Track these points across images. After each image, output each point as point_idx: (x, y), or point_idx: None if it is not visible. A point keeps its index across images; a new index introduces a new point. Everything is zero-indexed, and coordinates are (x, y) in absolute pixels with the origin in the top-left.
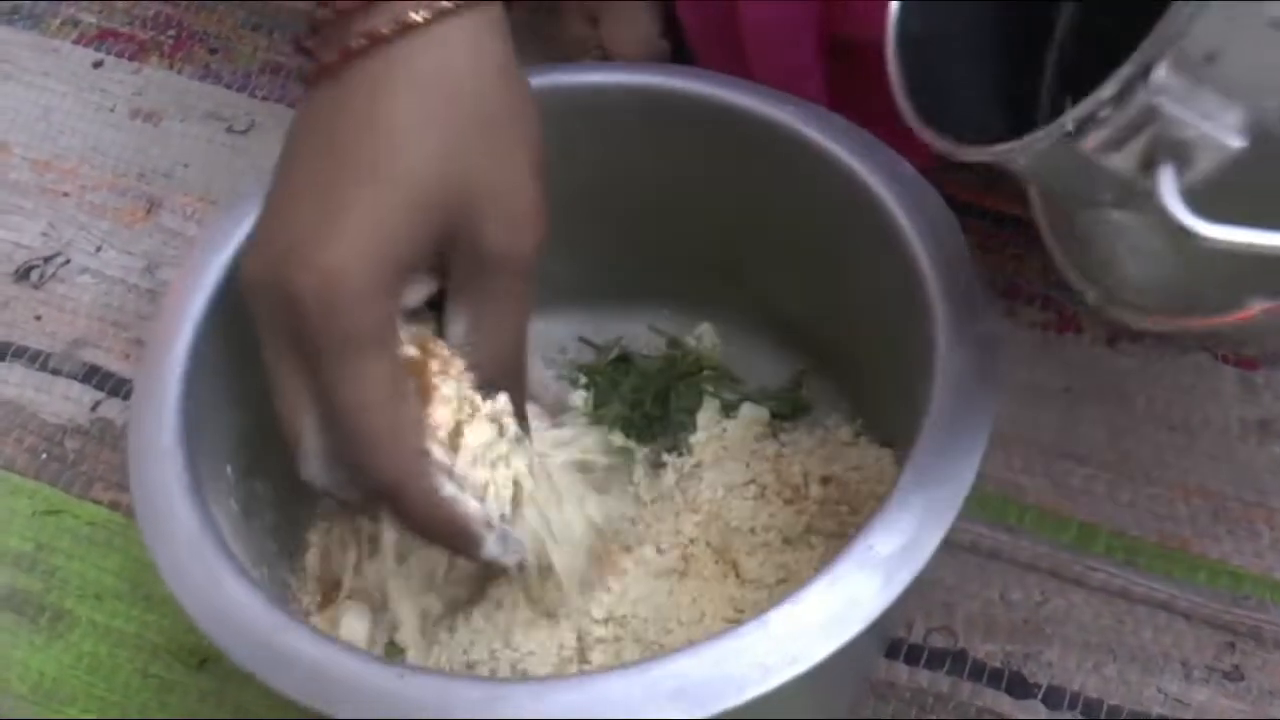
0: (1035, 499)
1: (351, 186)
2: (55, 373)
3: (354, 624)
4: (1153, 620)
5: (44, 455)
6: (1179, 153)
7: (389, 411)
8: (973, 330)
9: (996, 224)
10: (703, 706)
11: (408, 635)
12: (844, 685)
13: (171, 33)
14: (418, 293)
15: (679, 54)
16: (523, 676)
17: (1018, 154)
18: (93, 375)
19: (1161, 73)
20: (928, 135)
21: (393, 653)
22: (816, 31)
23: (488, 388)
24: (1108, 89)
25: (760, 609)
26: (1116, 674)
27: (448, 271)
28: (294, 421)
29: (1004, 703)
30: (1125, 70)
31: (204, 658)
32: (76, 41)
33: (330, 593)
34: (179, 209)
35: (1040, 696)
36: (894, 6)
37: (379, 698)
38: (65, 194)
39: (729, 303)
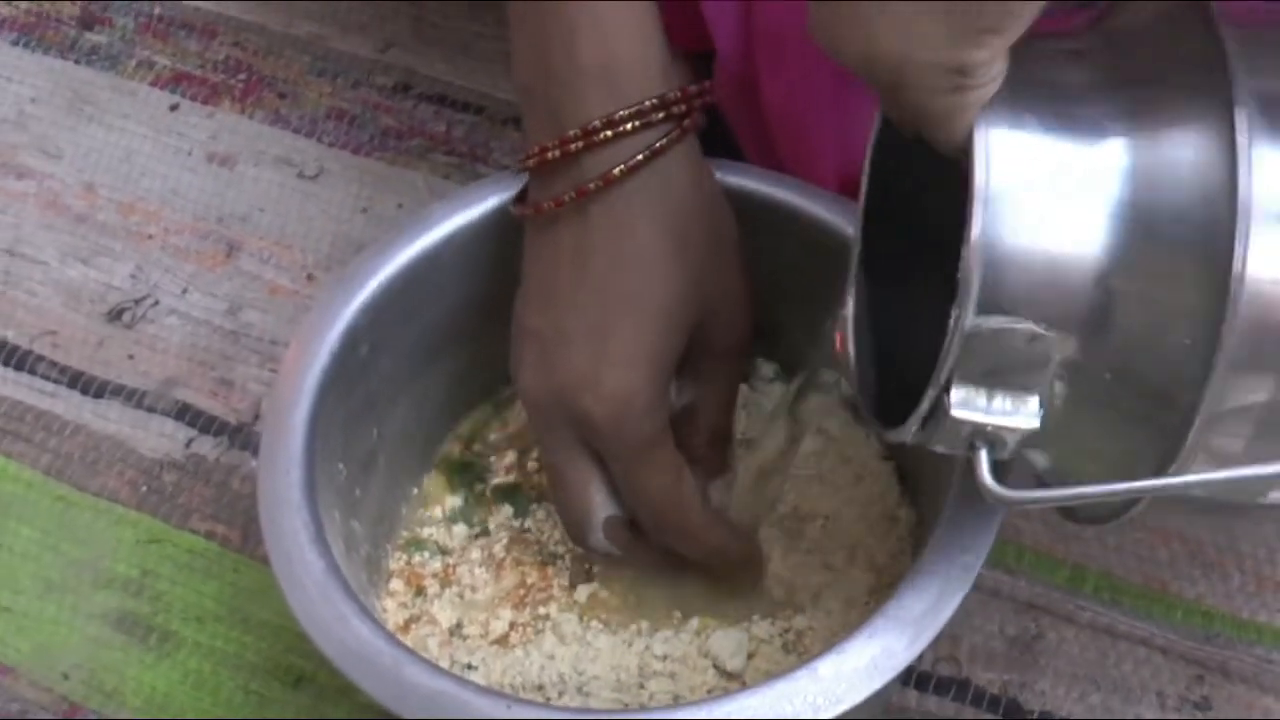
0: (1031, 542)
1: (619, 319)
2: (150, 410)
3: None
4: (1133, 654)
5: (144, 488)
6: (989, 439)
7: (675, 483)
8: None
9: None
10: None
11: (477, 657)
12: (874, 713)
13: (242, 76)
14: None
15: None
16: (586, 699)
17: (900, 436)
18: (185, 413)
19: (954, 393)
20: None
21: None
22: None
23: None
24: (921, 408)
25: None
26: (1100, 702)
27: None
28: (585, 503)
29: None
30: (928, 395)
31: (299, 676)
32: (153, 84)
33: (410, 622)
34: (256, 253)
35: None
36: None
37: None
38: (150, 236)
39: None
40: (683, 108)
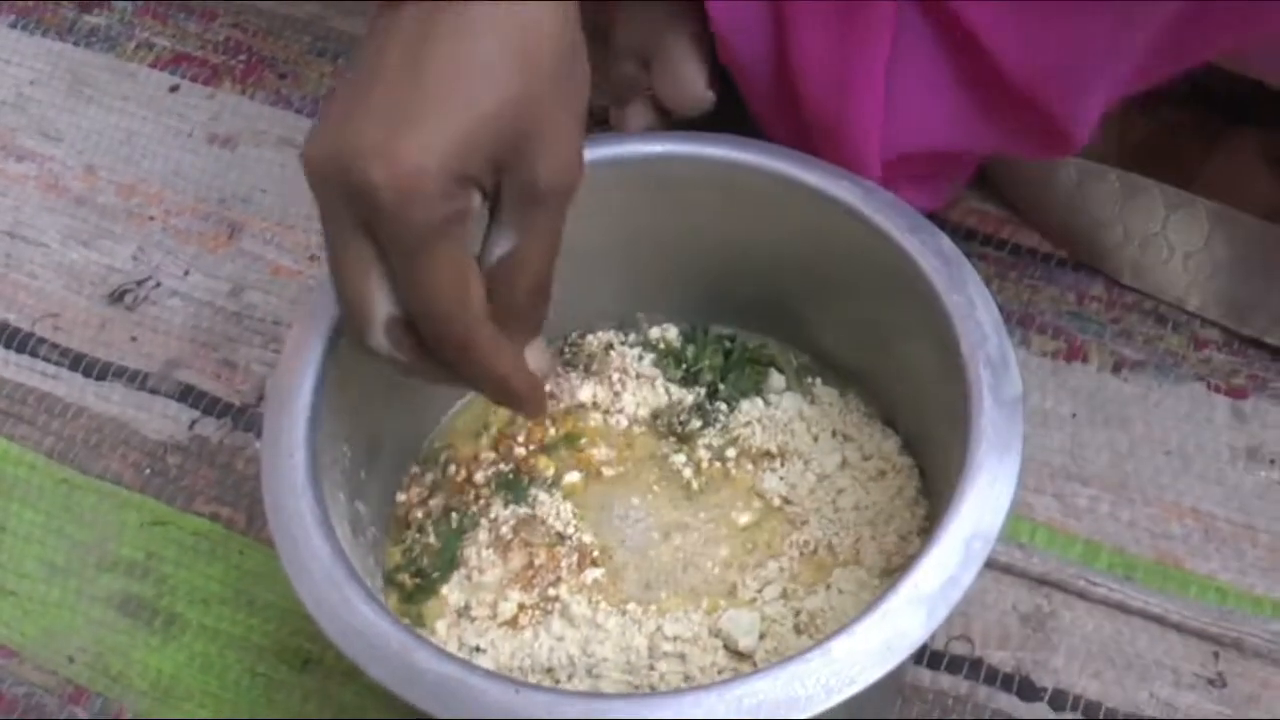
0: (1044, 518)
1: (432, 102)
2: (154, 392)
3: (440, 629)
4: (1147, 631)
5: (148, 470)
6: None
7: (460, 286)
8: (1004, 395)
9: (1014, 254)
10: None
11: (486, 639)
12: (888, 693)
13: (242, 58)
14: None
15: (725, 101)
16: (596, 682)
17: None
18: (188, 394)
19: None
20: None
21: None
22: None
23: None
24: None
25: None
26: (1115, 679)
27: (494, 200)
28: (362, 295)
29: (1015, 705)
30: None
31: (306, 659)
32: (153, 65)
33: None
34: (259, 234)
35: (1047, 699)
36: None
37: (496, 709)
38: (151, 218)
39: (786, 358)
40: None
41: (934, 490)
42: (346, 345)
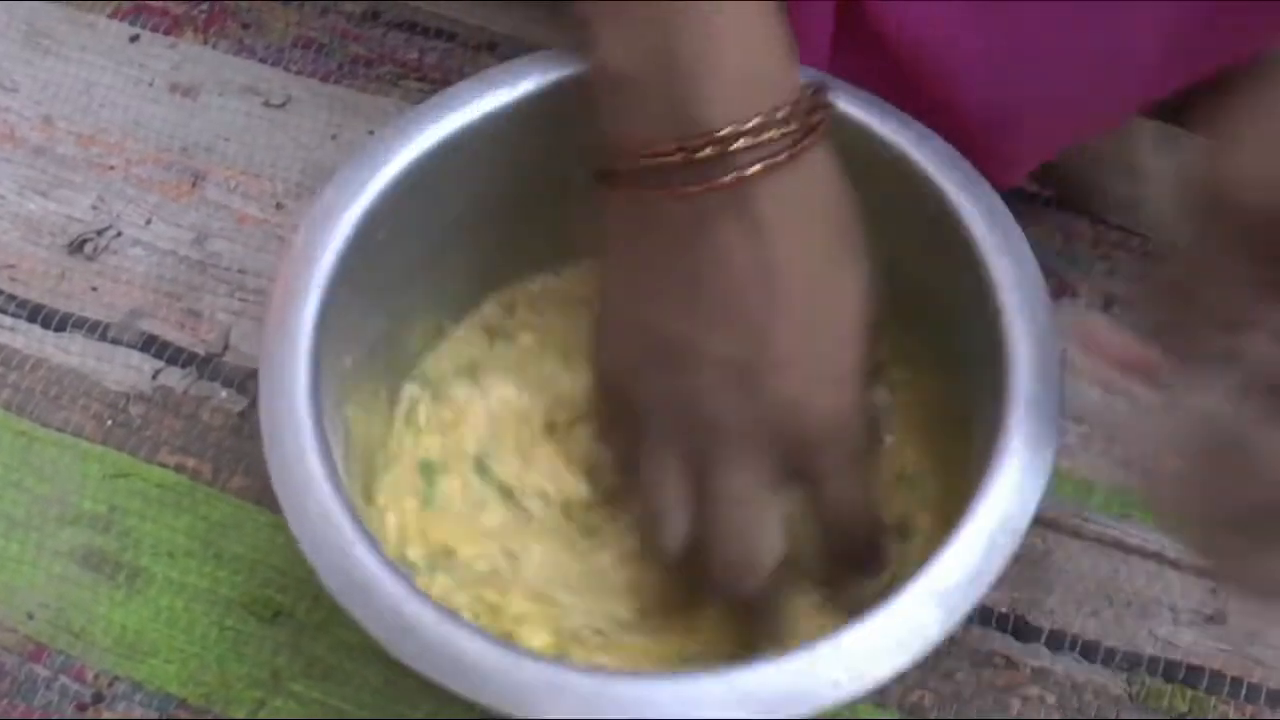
0: None
1: (824, 340)
2: (115, 342)
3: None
4: (1145, 569)
5: (109, 422)
6: None
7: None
8: (1047, 375)
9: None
10: (774, 711)
11: None
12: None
13: (204, 7)
14: None
15: None
16: None
17: None
18: (151, 344)
19: None
20: None
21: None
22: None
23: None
24: None
25: None
26: (1112, 618)
27: None
28: (769, 539)
29: (1011, 645)
30: None
31: (277, 611)
32: (112, 16)
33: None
34: (223, 182)
35: (1043, 640)
36: None
37: (491, 674)
38: (111, 167)
39: None
40: (812, 113)
41: (952, 456)
42: None
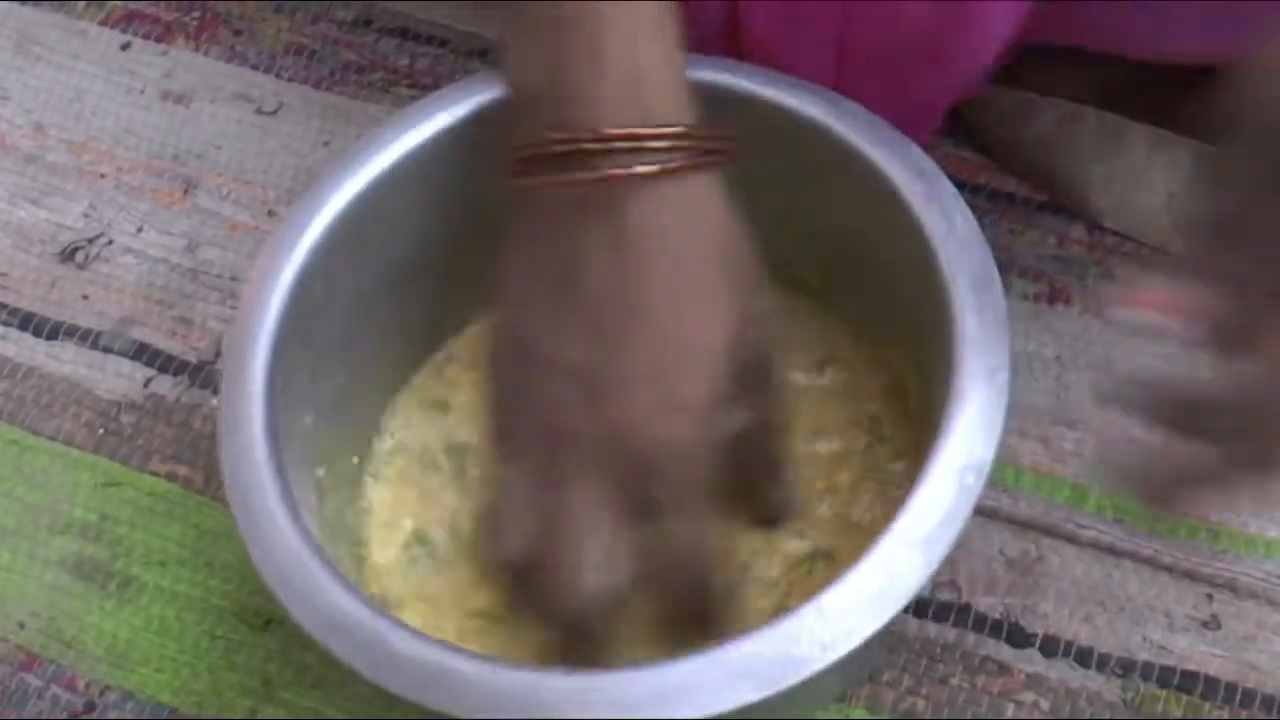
0: (1030, 462)
1: (681, 360)
2: (106, 350)
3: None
4: (1138, 574)
5: (101, 430)
6: None
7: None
8: (988, 315)
9: (992, 199)
10: (773, 684)
11: None
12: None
13: (196, 14)
14: None
15: None
16: None
17: None
18: (143, 353)
19: None
20: None
21: None
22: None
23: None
24: None
25: None
26: (1106, 624)
27: None
28: (585, 557)
29: (1004, 651)
30: None
31: (268, 619)
32: (103, 23)
33: None
34: (214, 189)
35: (1037, 645)
36: None
37: (473, 689)
38: (103, 175)
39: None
40: (710, 140)
41: (918, 416)
42: None
